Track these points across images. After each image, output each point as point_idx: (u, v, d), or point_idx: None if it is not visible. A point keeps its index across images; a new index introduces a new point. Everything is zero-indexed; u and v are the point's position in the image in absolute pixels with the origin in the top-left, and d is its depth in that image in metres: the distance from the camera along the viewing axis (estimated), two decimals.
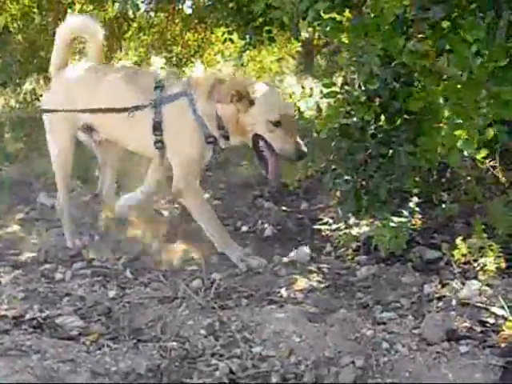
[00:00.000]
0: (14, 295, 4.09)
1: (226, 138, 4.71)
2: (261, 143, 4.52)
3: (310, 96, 5.16)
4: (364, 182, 4.42)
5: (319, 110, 5.55)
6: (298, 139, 4.46)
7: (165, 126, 4.70)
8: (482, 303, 3.62)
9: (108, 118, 4.89)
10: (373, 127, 4.36)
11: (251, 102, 4.51)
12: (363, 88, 4.32)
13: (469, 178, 4.95)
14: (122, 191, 5.85)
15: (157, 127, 4.70)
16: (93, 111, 4.79)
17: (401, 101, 4.21)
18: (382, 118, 4.35)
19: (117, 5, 4.92)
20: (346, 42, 4.20)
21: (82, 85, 5.01)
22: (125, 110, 4.67)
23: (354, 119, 4.31)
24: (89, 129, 5.14)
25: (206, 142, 4.69)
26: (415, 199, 4.74)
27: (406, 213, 4.64)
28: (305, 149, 4.45)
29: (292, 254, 4.67)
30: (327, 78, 4.53)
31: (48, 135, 5.23)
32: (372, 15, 3.98)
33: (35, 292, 4.15)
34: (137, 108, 4.67)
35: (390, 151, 4.30)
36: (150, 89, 4.76)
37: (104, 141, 5.27)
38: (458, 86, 3.74)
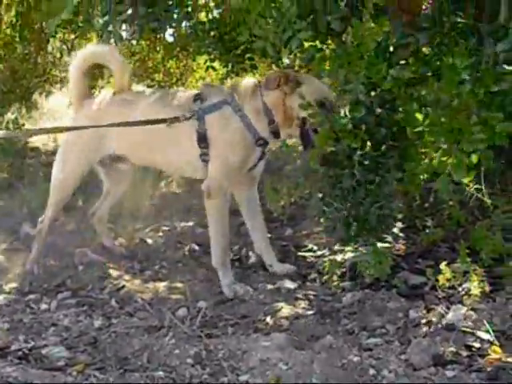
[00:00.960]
0: None
1: (276, 134, 4.69)
2: (307, 126, 4.55)
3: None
4: (353, 210, 4.43)
5: None
6: None
7: (210, 136, 4.64)
8: (467, 328, 3.63)
9: (148, 143, 4.88)
10: (359, 154, 4.39)
11: (298, 83, 4.54)
12: (349, 116, 4.36)
13: (451, 202, 4.96)
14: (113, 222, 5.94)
15: (202, 139, 4.65)
16: (131, 124, 4.68)
17: (386, 127, 4.24)
18: (368, 144, 4.38)
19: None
20: (329, 70, 4.25)
21: (114, 115, 4.90)
22: (164, 120, 4.61)
23: (341, 147, 4.33)
24: (114, 160, 5.17)
25: (256, 145, 4.67)
26: (399, 224, 4.76)
27: (389, 238, 4.67)
28: None
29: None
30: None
31: (60, 161, 5.17)
32: (354, 43, 4.03)
33: (20, 322, 4.14)
34: (177, 119, 4.61)
35: (377, 178, 4.33)
36: (189, 103, 4.74)
37: (116, 174, 5.37)
38: (442, 112, 3.79)
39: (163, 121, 4.62)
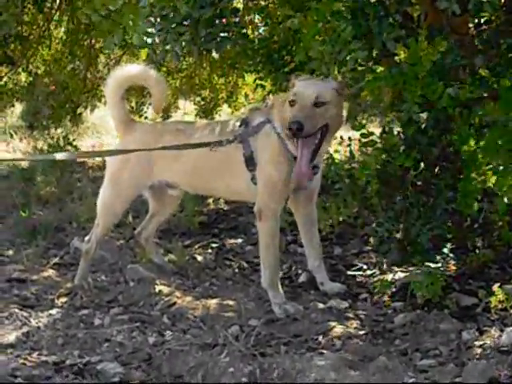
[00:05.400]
0: (53, 341, 4.12)
1: None
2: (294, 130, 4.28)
3: (349, 145, 5.19)
4: (406, 232, 4.43)
5: (352, 155, 5.57)
6: (299, 114, 4.27)
7: (256, 158, 4.62)
8: None
9: (202, 171, 4.89)
10: (412, 173, 4.39)
11: (293, 86, 4.49)
12: (402, 136, 4.36)
13: (501, 222, 4.93)
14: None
15: (249, 162, 4.64)
16: (175, 148, 4.70)
17: (439, 148, 4.24)
18: (422, 165, 4.39)
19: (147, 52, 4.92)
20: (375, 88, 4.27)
21: (167, 143, 4.83)
22: (207, 144, 4.62)
23: (393, 166, 4.34)
24: (163, 186, 5.16)
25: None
26: (449, 245, 4.75)
27: (440, 259, 4.66)
28: (297, 119, 4.20)
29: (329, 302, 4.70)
30: (358, 124, 4.55)
31: (108, 185, 5.14)
32: (409, 63, 4.04)
33: (74, 337, 4.16)
34: (220, 143, 4.61)
35: (431, 199, 4.32)
36: (237, 129, 4.75)
37: (164, 197, 5.38)
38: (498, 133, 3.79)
39: (207, 144, 4.64)
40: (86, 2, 4.53)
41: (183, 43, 4.47)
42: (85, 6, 4.66)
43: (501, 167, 3.78)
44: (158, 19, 4.48)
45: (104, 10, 4.66)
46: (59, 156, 5.11)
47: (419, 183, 4.42)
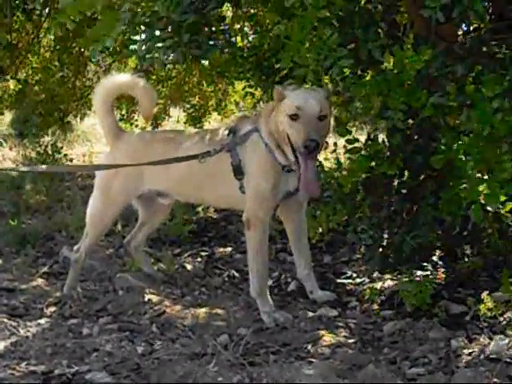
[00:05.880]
0: (42, 350, 4.10)
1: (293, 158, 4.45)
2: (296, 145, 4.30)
3: (334, 151, 5.16)
4: (389, 238, 4.44)
5: (339, 163, 5.56)
6: (312, 131, 4.21)
7: (244, 166, 4.60)
8: (510, 359, 3.61)
9: (193, 180, 4.86)
10: (397, 182, 4.40)
11: (282, 97, 4.39)
12: (387, 143, 4.37)
13: (490, 230, 4.94)
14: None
15: (237, 171, 4.61)
16: (162, 162, 4.68)
17: (424, 156, 4.25)
18: (406, 173, 4.40)
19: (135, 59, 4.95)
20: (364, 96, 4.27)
21: (157, 152, 4.87)
22: (195, 156, 4.60)
23: (378, 174, 4.35)
24: (153, 194, 5.14)
25: (284, 171, 4.53)
26: (438, 253, 4.75)
27: (429, 266, 4.67)
28: (314, 137, 4.17)
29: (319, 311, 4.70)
30: (344, 130, 4.54)
31: (98, 194, 5.12)
32: (394, 71, 4.05)
33: (63, 347, 4.14)
34: (208, 153, 4.59)
35: (414, 207, 4.33)
36: (226, 139, 4.71)
37: (153, 206, 5.37)
38: (480, 141, 3.80)
39: (195, 156, 4.63)
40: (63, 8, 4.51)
41: (167, 49, 4.47)
42: (59, 14, 4.61)
43: (478, 175, 3.80)
44: (142, 27, 4.49)
45: (80, 16, 4.63)
46: (45, 168, 5.11)
47: (404, 191, 4.44)
